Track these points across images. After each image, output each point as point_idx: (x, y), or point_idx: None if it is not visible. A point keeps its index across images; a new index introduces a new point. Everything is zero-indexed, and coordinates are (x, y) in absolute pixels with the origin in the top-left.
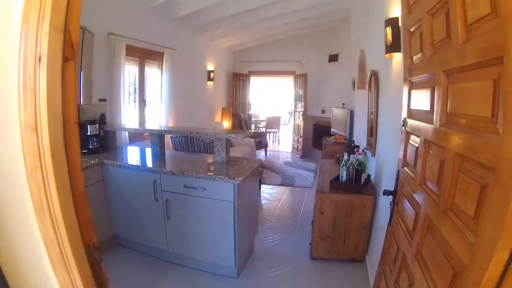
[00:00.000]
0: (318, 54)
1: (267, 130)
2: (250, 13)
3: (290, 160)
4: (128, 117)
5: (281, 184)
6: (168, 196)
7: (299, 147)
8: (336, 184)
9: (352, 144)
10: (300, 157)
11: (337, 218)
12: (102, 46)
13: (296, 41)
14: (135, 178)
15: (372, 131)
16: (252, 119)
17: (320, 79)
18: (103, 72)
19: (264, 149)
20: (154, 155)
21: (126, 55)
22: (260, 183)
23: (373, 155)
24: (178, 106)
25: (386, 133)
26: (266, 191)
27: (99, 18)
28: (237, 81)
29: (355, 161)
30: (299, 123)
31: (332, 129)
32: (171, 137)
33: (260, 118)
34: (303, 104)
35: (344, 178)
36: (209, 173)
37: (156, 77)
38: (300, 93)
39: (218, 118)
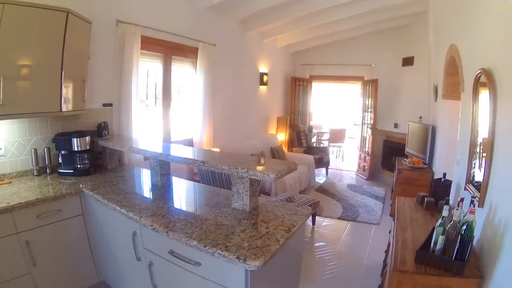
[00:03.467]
0: (389, 56)
1: (330, 144)
2: (308, 2)
3: (354, 182)
4: (145, 125)
5: (341, 218)
6: (152, 258)
7: (366, 167)
8: (424, 256)
9: (443, 179)
10: (366, 179)
11: None
12: (109, 37)
13: (364, 41)
14: (116, 221)
15: (477, 163)
16: (314, 130)
17: (392, 86)
18: (110, 70)
19: (325, 168)
20: (152, 187)
21: (145, 49)
22: (315, 216)
23: (481, 205)
24: (219, 113)
25: None
26: (322, 226)
27: (105, 1)
28: (296, 87)
29: (460, 220)
30: (367, 138)
31: (406, 149)
32: None
33: (323, 130)
34: (372, 115)
35: (439, 246)
36: (205, 243)
37: (190, 77)
38: (369, 102)
39: (272, 129)
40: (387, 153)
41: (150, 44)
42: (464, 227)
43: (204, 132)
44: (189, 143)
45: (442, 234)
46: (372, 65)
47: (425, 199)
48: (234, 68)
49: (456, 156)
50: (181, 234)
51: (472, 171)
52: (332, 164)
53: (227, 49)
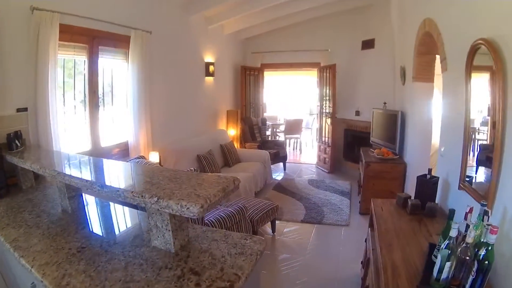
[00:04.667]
0: (348, 40)
1: (286, 136)
2: None
3: (315, 176)
4: (70, 130)
5: (304, 221)
6: None
7: (327, 159)
8: None
9: (429, 176)
10: (328, 172)
11: None
12: (22, 29)
13: (319, 24)
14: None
15: (479, 157)
16: (268, 123)
17: (351, 71)
18: (25, 69)
19: (282, 162)
20: (61, 214)
21: (65, 40)
22: (275, 222)
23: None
24: (157, 111)
25: None
26: (284, 233)
27: None
28: (247, 77)
29: (475, 242)
30: (326, 128)
31: (372, 138)
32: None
33: (278, 122)
34: (331, 104)
35: (446, 275)
36: None
37: (123, 72)
38: (327, 90)
39: (222, 124)
40: (349, 143)
41: (72, 34)
42: (482, 251)
43: (140, 134)
44: (124, 148)
45: (449, 260)
46: (329, 50)
47: (409, 202)
48: (175, 58)
49: (439, 147)
50: None
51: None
52: (290, 157)
53: (166, 37)
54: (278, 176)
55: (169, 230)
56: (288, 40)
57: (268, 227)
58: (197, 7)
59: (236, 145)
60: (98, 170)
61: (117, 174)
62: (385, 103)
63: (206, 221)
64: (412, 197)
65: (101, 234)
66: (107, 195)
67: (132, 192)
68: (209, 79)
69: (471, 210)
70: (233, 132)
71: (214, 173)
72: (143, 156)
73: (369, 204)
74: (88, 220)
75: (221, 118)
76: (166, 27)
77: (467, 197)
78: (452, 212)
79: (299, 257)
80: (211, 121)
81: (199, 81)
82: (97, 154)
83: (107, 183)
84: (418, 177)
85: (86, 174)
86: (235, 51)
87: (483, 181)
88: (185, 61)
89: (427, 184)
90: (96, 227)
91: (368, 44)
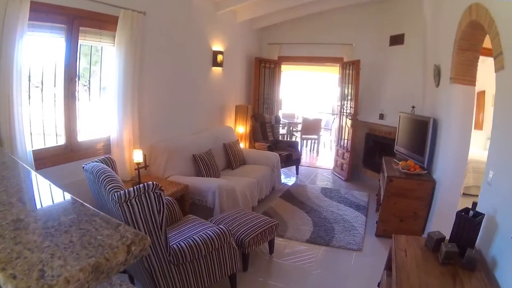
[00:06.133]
0: (374, 34)
1: (303, 136)
2: None
3: (330, 184)
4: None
5: (310, 241)
6: None
7: (344, 165)
8: None
9: (472, 212)
10: (345, 180)
11: None
12: None
13: (344, 15)
14: None
15: None
16: (283, 121)
17: (377, 69)
18: None
19: (295, 166)
20: None
21: (40, 20)
22: (273, 243)
23: None
24: (149, 102)
25: None
26: (284, 255)
27: None
28: (262, 69)
29: None
30: (346, 131)
31: (396, 146)
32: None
33: (296, 120)
34: (352, 104)
35: None
36: None
37: (110, 57)
38: (349, 88)
39: (229, 121)
40: (370, 149)
41: (47, 13)
42: None
43: (125, 129)
44: (106, 143)
45: None
46: (353, 45)
47: (443, 247)
48: (175, 45)
49: (485, 171)
50: None
51: None
52: (306, 160)
53: (164, 20)
54: (289, 181)
55: None
56: (309, 32)
57: (266, 244)
58: None
59: (245, 144)
60: None
61: None
62: (413, 107)
63: (174, 246)
64: (446, 237)
65: None
66: None
67: None
68: (217, 69)
69: None
70: (242, 129)
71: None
72: (110, 158)
73: (388, 226)
74: None
75: (229, 114)
76: (164, 8)
77: None
78: None
79: None
80: (217, 117)
81: (205, 72)
82: (72, 150)
83: None
84: (458, 213)
85: None
86: (249, 40)
87: None
88: (187, 48)
89: (470, 224)
90: None
91: (396, 40)
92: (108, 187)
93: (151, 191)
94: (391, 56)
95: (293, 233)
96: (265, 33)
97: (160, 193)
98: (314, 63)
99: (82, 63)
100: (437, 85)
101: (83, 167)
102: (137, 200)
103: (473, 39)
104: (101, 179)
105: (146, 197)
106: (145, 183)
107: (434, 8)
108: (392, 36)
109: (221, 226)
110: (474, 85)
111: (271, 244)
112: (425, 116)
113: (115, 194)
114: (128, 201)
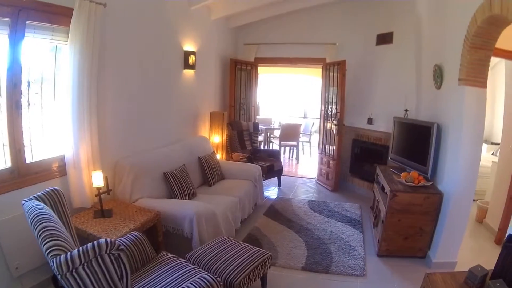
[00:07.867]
0: (359, 33)
1: (282, 143)
2: None
3: (316, 195)
4: None
5: (306, 268)
6: None
7: (330, 175)
8: None
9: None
10: (331, 190)
11: None
12: None
13: (326, 14)
14: None
15: None
16: (261, 127)
17: (364, 71)
18: None
19: (277, 177)
20: None
21: None
22: (265, 279)
23: None
24: (112, 113)
25: None
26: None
27: None
28: (238, 72)
29: None
30: (331, 138)
31: (391, 154)
32: None
33: (273, 126)
34: (338, 108)
35: None
36: None
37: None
38: (334, 92)
39: (204, 130)
40: (357, 156)
41: None
42: None
43: (81, 145)
44: (60, 164)
45: None
46: (336, 44)
47: (491, 285)
48: (140, 43)
49: None
50: None
51: None
52: (285, 168)
53: (129, 13)
54: (270, 193)
55: None
56: (288, 31)
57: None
58: None
59: (222, 155)
60: None
61: None
62: (406, 110)
63: None
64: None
65: None
66: None
67: None
68: (189, 72)
69: None
70: (217, 139)
71: None
72: (55, 191)
73: (391, 245)
74: None
75: (203, 122)
76: (128, 0)
77: None
78: None
79: None
80: (190, 126)
81: (175, 74)
82: (20, 174)
83: None
84: (505, 245)
85: None
86: (224, 40)
87: None
88: (156, 47)
89: None
90: None
91: (384, 39)
92: (46, 246)
93: (105, 253)
94: (379, 56)
95: (285, 259)
96: (242, 32)
97: (118, 254)
98: (294, 64)
99: (37, 66)
100: (439, 87)
101: (23, 205)
102: (86, 268)
103: (488, 36)
104: (37, 230)
105: (98, 263)
106: (94, 242)
107: (432, 5)
108: (380, 34)
109: (204, 275)
110: (486, 87)
111: (263, 279)
112: (427, 121)
113: (53, 260)
114: (74, 270)
